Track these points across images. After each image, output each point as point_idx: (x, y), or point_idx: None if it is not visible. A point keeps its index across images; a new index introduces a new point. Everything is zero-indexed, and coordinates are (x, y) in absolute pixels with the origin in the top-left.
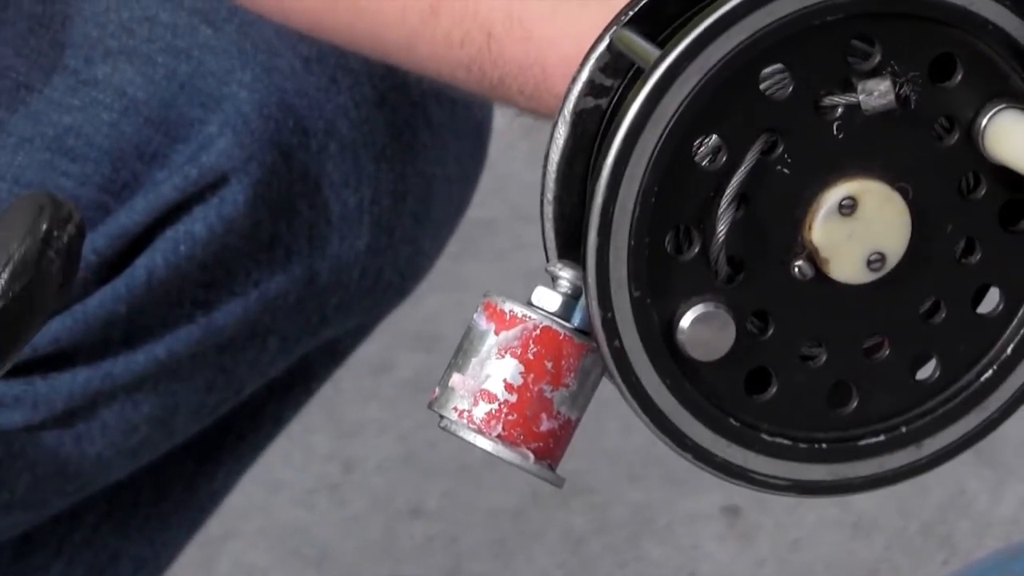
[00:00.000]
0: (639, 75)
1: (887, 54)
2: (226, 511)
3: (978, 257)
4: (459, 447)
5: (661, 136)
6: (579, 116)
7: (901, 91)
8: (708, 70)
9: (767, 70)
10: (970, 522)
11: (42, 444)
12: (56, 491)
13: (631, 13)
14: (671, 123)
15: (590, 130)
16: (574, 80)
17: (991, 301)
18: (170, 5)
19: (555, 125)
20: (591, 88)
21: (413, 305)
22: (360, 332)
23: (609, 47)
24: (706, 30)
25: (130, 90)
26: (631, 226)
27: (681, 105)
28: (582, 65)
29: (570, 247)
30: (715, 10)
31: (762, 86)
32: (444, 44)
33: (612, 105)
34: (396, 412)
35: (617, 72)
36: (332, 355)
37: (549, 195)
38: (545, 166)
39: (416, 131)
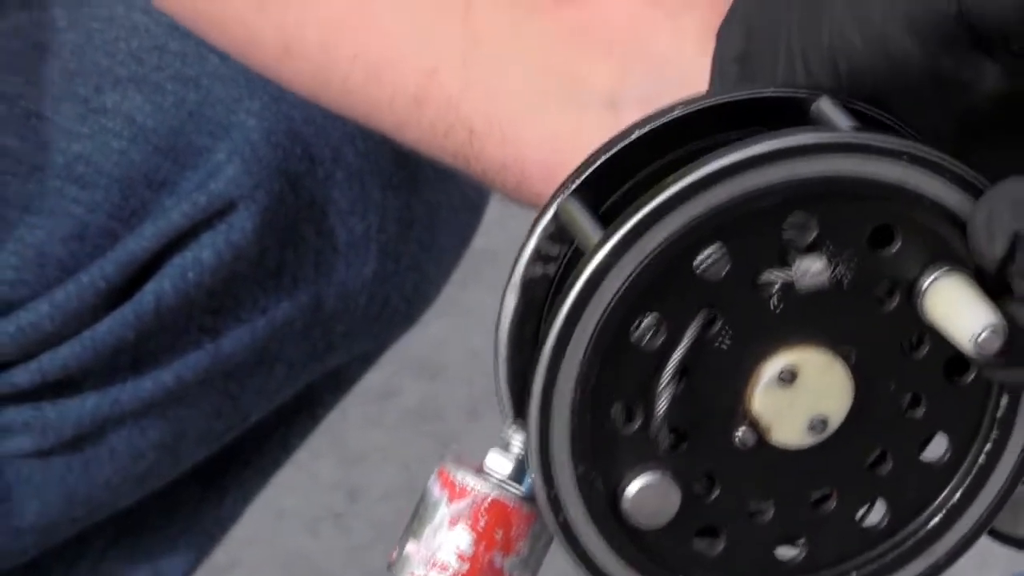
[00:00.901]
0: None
1: (823, 230)
2: (231, 539)
3: (923, 410)
4: None
5: (598, 322)
6: (528, 283)
7: (836, 271)
8: (644, 257)
9: (704, 251)
10: None
11: (51, 470)
12: (64, 517)
13: (574, 184)
14: (608, 308)
15: (539, 295)
16: (522, 249)
17: (938, 447)
18: (179, 34)
19: (505, 292)
20: (539, 256)
21: (418, 332)
22: (366, 359)
23: (555, 216)
24: (641, 220)
25: (139, 118)
26: (571, 407)
27: (618, 291)
28: (529, 234)
29: (523, 407)
30: (650, 199)
31: (698, 266)
32: (430, 133)
33: (559, 272)
34: (400, 440)
35: (563, 239)
36: (338, 382)
37: (502, 357)
38: (497, 330)
39: (422, 160)
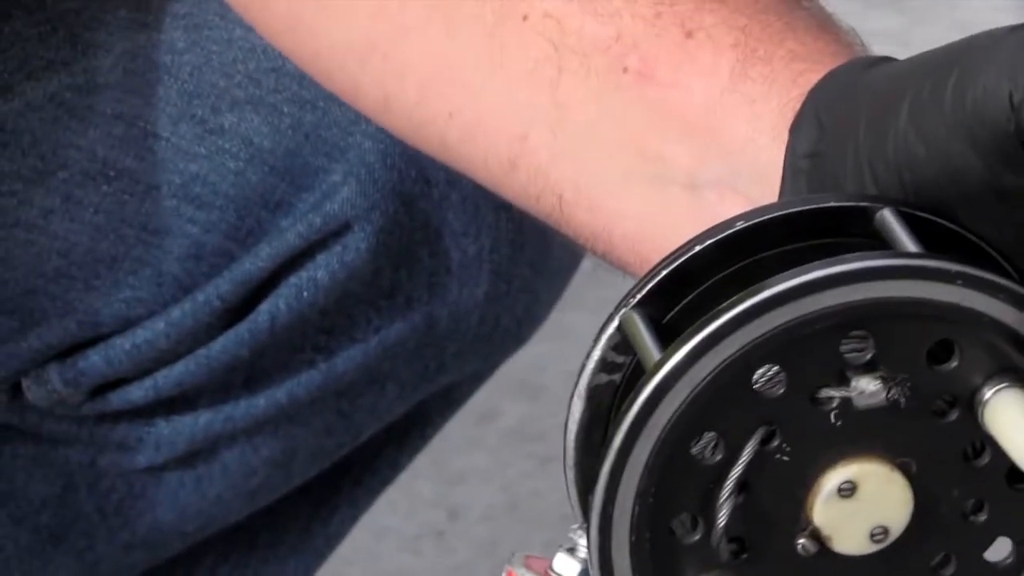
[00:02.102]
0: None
1: (880, 349)
2: (333, 557)
3: (985, 516)
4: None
5: (656, 441)
6: (593, 391)
7: (891, 391)
8: (701, 380)
9: (761, 369)
10: None
11: (163, 485)
12: (176, 532)
13: (637, 296)
14: (666, 428)
15: (605, 402)
16: (588, 357)
17: (1002, 548)
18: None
19: (571, 399)
20: (603, 365)
21: (518, 354)
22: (476, 379)
23: (618, 328)
24: (699, 344)
25: (256, 139)
26: (631, 522)
27: (675, 412)
28: (594, 344)
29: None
30: (708, 323)
31: (756, 384)
32: (523, 195)
33: (624, 380)
34: (501, 460)
35: (627, 349)
36: (448, 401)
37: (570, 462)
38: (565, 436)
39: None
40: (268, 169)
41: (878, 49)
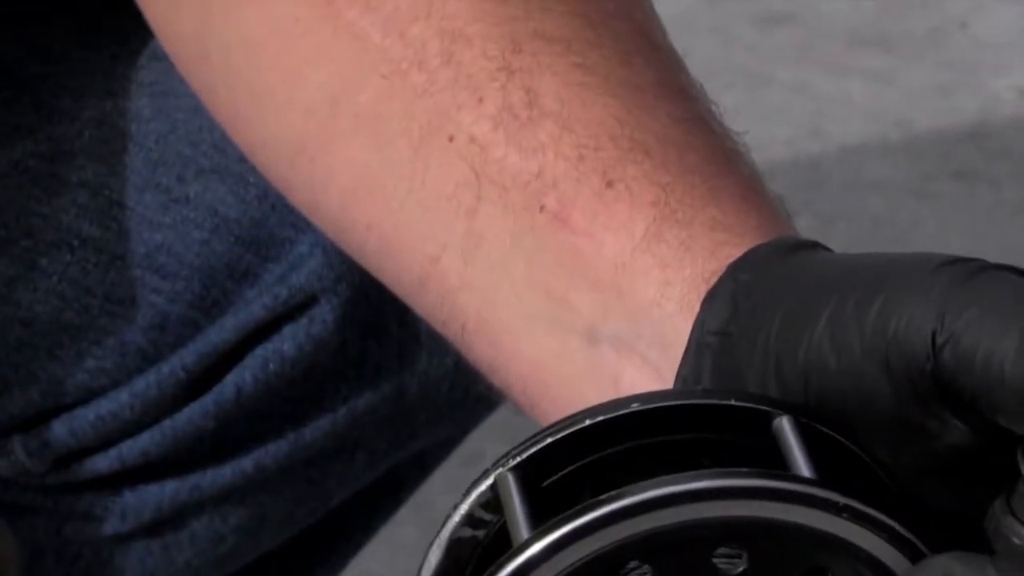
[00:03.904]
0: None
1: (754, 567)
2: None
3: None
4: None
5: None
6: (454, 544)
7: None
8: (566, 567)
9: (630, 566)
10: None
11: (130, 552)
12: None
13: (516, 460)
14: None
15: (463, 556)
16: (454, 509)
17: None
18: None
19: (430, 546)
20: (470, 520)
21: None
22: (450, 443)
23: (491, 486)
24: (566, 534)
25: (221, 209)
26: None
27: None
28: (463, 498)
29: None
30: (579, 515)
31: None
32: (431, 316)
33: (488, 540)
34: None
35: (496, 509)
36: (421, 467)
37: None
38: None
39: None
40: (234, 239)
41: (864, 87)
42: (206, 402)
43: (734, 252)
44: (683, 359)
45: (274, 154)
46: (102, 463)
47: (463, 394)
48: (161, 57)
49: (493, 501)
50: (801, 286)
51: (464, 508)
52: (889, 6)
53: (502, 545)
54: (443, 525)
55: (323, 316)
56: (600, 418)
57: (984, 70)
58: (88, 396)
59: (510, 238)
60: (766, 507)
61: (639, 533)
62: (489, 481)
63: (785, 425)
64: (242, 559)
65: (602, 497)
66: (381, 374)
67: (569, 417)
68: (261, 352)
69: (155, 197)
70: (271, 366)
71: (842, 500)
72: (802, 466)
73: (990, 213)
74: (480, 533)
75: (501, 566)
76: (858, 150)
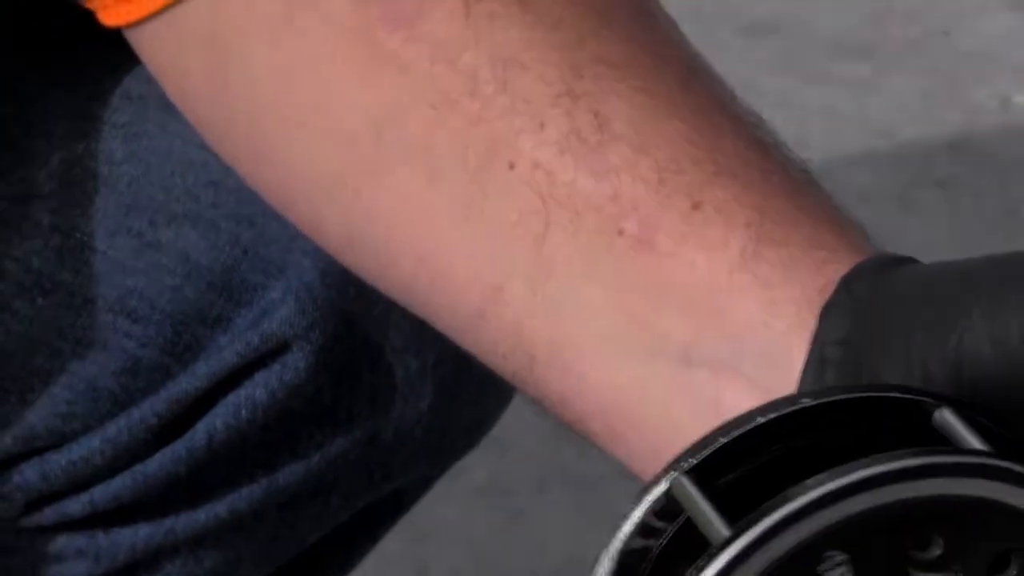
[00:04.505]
0: (691, 525)
1: (948, 550)
2: None
3: None
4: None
5: None
6: (626, 554)
7: None
8: (773, 559)
9: (828, 556)
10: None
11: None
12: None
13: (692, 463)
14: None
15: (633, 566)
16: (625, 519)
17: None
18: (235, 172)
19: (599, 558)
20: (642, 529)
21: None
22: (426, 483)
23: (667, 493)
24: (777, 523)
25: (193, 255)
26: None
27: None
28: (635, 506)
29: None
30: (787, 501)
31: (821, 571)
32: (490, 351)
33: (660, 547)
34: (469, 516)
35: (670, 516)
36: (398, 505)
37: None
38: None
39: None
40: (206, 285)
41: (847, 97)
42: (178, 448)
43: (840, 268)
44: (803, 374)
45: (306, 189)
46: (74, 507)
47: (439, 438)
48: (134, 98)
49: (666, 508)
50: (934, 289)
51: (637, 516)
52: (872, 15)
53: (679, 552)
54: (614, 534)
55: (296, 363)
56: (772, 415)
57: (967, 79)
58: (60, 440)
59: (585, 263)
60: (969, 484)
61: (841, 520)
62: (663, 487)
63: (949, 415)
64: None
65: (807, 483)
66: (354, 420)
67: (735, 420)
68: (233, 399)
69: (127, 241)
70: (243, 413)
71: None
72: (980, 448)
73: (973, 222)
74: (652, 543)
75: (701, 569)
76: (842, 160)
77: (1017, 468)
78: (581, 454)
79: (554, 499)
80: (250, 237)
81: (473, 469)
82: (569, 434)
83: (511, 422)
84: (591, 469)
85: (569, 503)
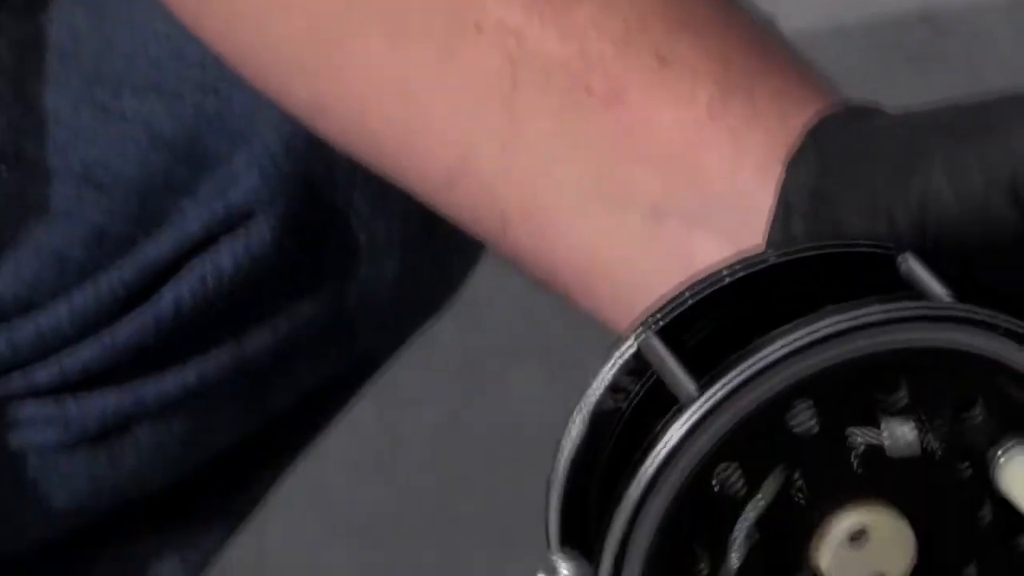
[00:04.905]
0: (660, 384)
1: (914, 397)
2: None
3: (974, 569)
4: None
5: (685, 473)
6: (598, 415)
7: (926, 441)
8: (743, 413)
9: (795, 406)
10: None
11: (76, 462)
12: (91, 505)
13: (661, 323)
14: (697, 460)
15: (605, 427)
16: (597, 379)
17: None
18: (199, 42)
19: (570, 422)
20: (612, 389)
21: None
22: (393, 346)
23: (636, 353)
24: (746, 378)
25: (157, 125)
26: (647, 552)
27: (710, 445)
28: (605, 367)
29: (570, 532)
30: (756, 355)
31: (788, 422)
32: (461, 212)
33: (629, 406)
34: (444, 386)
35: (639, 372)
36: (365, 371)
37: (557, 486)
38: (556, 460)
39: None
40: (170, 155)
41: None
42: (145, 317)
43: (807, 119)
44: (771, 224)
45: (277, 57)
46: (42, 375)
47: (405, 302)
48: None
49: (635, 367)
50: (898, 137)
51: (608, 376)
52: None
53: (649, 411)
54: (585, 395)
55: (260, 231)
56: (739, 274)
57: None
58: (27, 308)
59: (554, 121)
60: (932, 331)
61: (807, 373)
62: (631, 346)
63: (914, 264)
64: (189, 465)
65: (773, 335)
66: (321, 286)
67: (706, 278)
68: (199, 268)
69: (91, 112)
70: (209, 282)
71: (1001, 317)
72: (945, 296)
73: (943, 95)
74: (622, 401)
75: (678, 420)
76: (812, 36)
77: (981, 313)
78: (556, 324)
79: (527, 367)
80: (214, 107)
81: (448, 339)
82: (544, 305)
83: (486, 293)
84: (566, 339)
85: (544, 373)
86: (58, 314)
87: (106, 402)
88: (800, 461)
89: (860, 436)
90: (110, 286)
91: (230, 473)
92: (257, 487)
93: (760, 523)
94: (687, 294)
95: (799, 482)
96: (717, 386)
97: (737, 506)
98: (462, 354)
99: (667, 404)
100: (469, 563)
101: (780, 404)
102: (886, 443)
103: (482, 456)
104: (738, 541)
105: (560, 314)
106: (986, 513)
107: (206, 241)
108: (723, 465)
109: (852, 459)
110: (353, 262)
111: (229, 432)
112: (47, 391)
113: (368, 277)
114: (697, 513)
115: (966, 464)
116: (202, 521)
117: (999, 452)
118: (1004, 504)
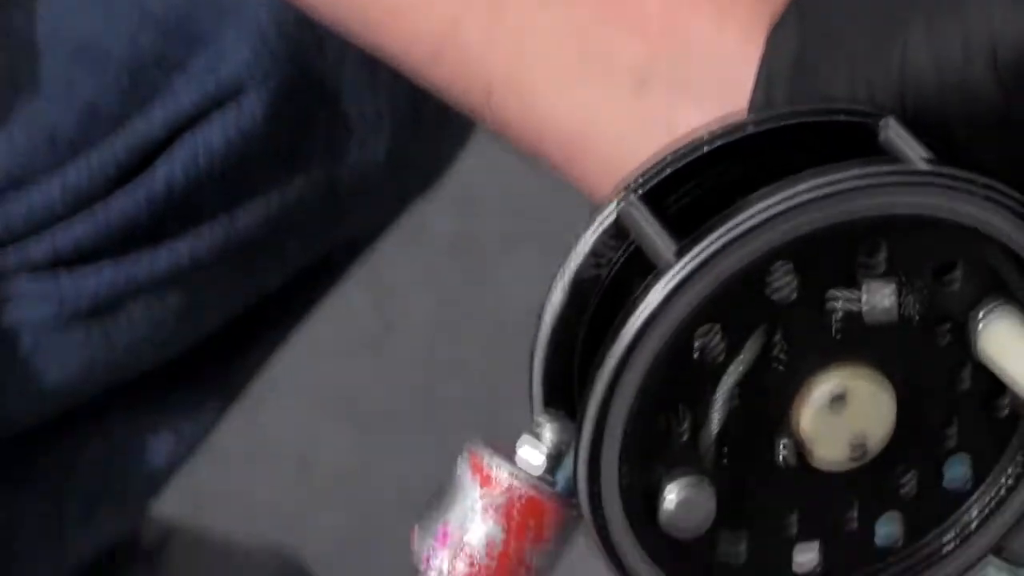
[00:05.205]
0: (640, 250)
1: (893, 260)
2: (268, 371)
3: (954, 435)
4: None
5: (665, 336)
6: (578, 283)
7: (904, 305)
8: (721, 276)
9: (774, 269)
10: None
11: (69, 338)
12: (86, 381)
13: (641, 188)
14: (677, 324)
15: (586, 293)
16: (577, 245)
17: (961, 473)
18: None
19: (552, 288)
20: (593, 255)
21: (451, 167)
22: (383, 227)
23: (616, 220)
24: (725, 242)
25: (147, 3)
26: (628, 414)
27: (690, 308)
28: (586, 233)
29: (554, 396)
30: (733, 219)
31: (768, 284)
32: (448, 86)
33: (610, 273)
34: (435, 272)
35: (619, 238)
36: (355, 248)
37: (540, 353)
38: (539, 326)
39: None
40: (161, 31)
41: None
42: (138, 195)
43: None
44: (753, 92)
45: None
46: (36, 251)
47: (395, 179)
48: None
49: (616, 233)
50: (880, 5)
51: (589, 242)
52: None
53: (630, 278)
54: (566, 263)
55: (251, 109)
56: (719, 142)
57: None
58: (19, 184)
59: None
60: (909, 196)
61: (790, 236)
62: (612, 211)
63: (894, 130)
64: (182, 343)
65: (750, 199)
66: (311, 164)
67: (686, 145)
68: (190, 145)
69: None
70: (200, 159)
71: (982, 180)
72: (925, 161)
73: None
74: (603, 267)
75: (648, 290)
76: None
77: (960, 177)
78: (549, 211)
79: (520, 256)
80: None
81: (439, 225)
82: (538, 191)
83: (477, 178)
84: (559, 225)
85: (534, 258)
86: (51, 190)
87: (99, 278)
88: (780, 325)
89: (840, 300)
90: (102, 163)
91: (222, 350)
92: (249, 364)
93: (740, 386)
94: (667, 160)
95: (779, 346)
96: (696, 250)
97: (718, 370)
98: (455, 240)
99: (648, 270)
100: (459, 447)
101: (759, 268)
102: (864, 308)
103: (474, 342)
104: (718, 404)
105: (553, 200)
106: (966, 377)
107: (197, 117)
108: (703, 329)
109: (832, 323)
110: (343, 139)
111: (221, 309)
112: (41, 267)
113: (358, 156)
114: (678, 377)
115: (946, 329)
116: (195, 397)
117: (978, 316)
118: (983, 369)
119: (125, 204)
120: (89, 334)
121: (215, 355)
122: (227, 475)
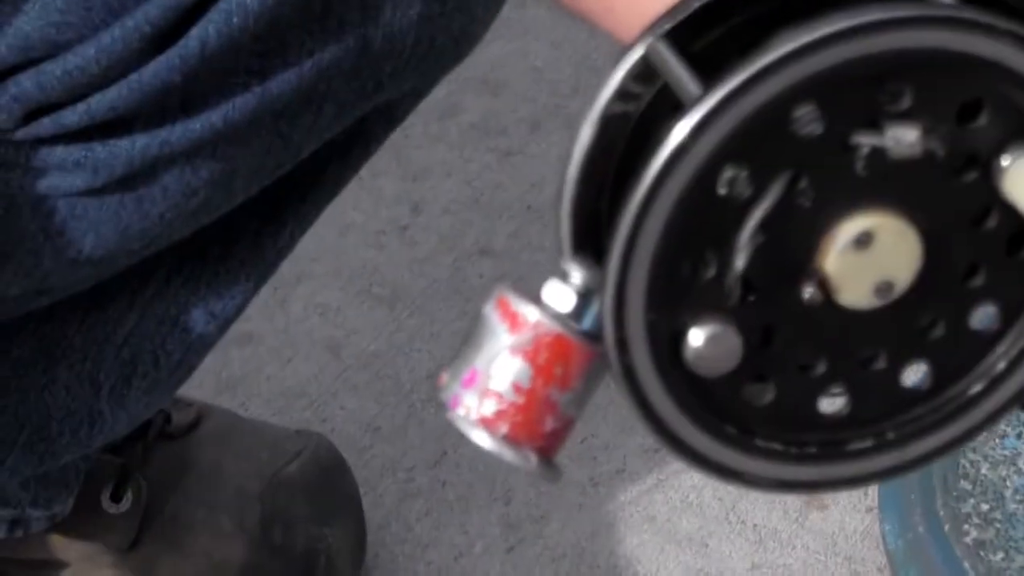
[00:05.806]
0: (668, 90)
1: (917, 100)
2: (298, 254)
3: (981, 280)
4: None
5: (690, 174)
6: (607, 120)
7: (928, 143)
8: (744, 115)
9: (799, 108)
10: None
11: (104, 206)
12: (120, 250)
13: (667, 27)
14: (702, 162)
15: (615, 133)
16: (604, 84)
17: (988, 316)
18: None
19: (581, 126)
20: (621, 94)
21: (478, 52)
22: (416, 95)
23: (644, 57)
24: (746, 80)
25: None
26: (653, 254)
27: (714, 146)
28: (614, 71)
29: (584, 240)
30: (756, 58)
31: (793, 124)
32: None
33: (639, 112)
34: (463, 155)
35: (648, 79)
36: (389, 118)
37: (569, 193)
38: (567, 165)
39: None
40: None
41: None
42: (172, 56)
43: None
44: None
45: None
46: (71, 117)
47: (428, 46)
48: None
49: (644, 73)
50: None
51: (616, 81)
52: None
53: (657, 116)
54: (594, 101)
55: None
56: None
57: None
58: (54, 49)
59: None
60: (933, 34)
61: (812, 74)
62: (640, 51)
63: None
64: (215, 211)
65: (773, 40)
66: (344, 27)
67: None
68: (224, 6)
69: None
70: (235, 19)
71: (1003, 23)
72: None
73: None
74: (631, 107)
75: (677, 125)
76: None
77: (985, 16)
78: (577, 95)
79: (547, 138)
80: None
81: (467, 109)
82: (566, 75)
83: (503, 63)
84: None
85: (562, 141)
86: (86, 55)
87: (133, 145)
88: (806, 164)
89: (864, 139)
90: (136, 26)
91: (254, 229)
92: (280, 244)
93: (766, 226)
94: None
95: (805, 185)
96: (720, 86)
97: (743, 209)
98: (482, 123)
99: (674, 108)
100: None
101: (783, 105)
102: (889, 144)
103: (501, 226)
104: (743, 242)
105: (581, 84)
106: (992, 219)
107: None
108: (729, 168)
109: (857, 162)
110: (377, 3)
111: (255, 178)
112: (75, 134)
113: (392, 20)
114: (704, 216)
115: (972, 170)
116: (227, 276)
117: (1004, 157)
118: (1010, 213)
119: (159, 67)
120: (123, 202)
121: (246, 234)
122: (258, 359)
